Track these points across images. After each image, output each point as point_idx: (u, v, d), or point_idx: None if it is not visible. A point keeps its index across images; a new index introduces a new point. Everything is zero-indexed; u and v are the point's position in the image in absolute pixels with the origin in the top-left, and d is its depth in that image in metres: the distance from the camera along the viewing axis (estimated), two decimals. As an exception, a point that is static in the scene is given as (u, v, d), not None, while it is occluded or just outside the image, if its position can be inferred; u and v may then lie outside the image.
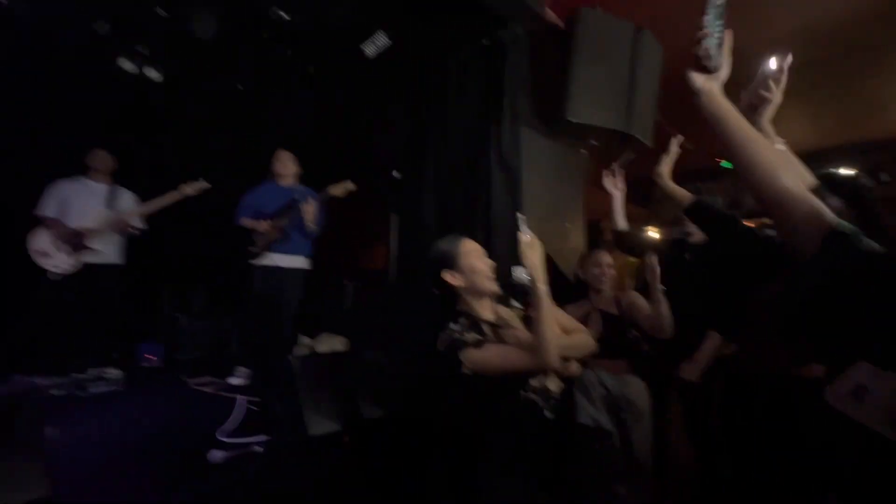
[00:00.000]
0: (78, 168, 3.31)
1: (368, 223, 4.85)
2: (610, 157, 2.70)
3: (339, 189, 3.28)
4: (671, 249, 2.31)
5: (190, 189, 3.38)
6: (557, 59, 2.56)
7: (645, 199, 3.71)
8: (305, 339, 4.28)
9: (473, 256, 1.47)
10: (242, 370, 3.25)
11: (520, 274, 1.45)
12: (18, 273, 3.14)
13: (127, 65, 3.49)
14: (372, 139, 4.32)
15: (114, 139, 3.59)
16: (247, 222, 3.35)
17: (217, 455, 2.05)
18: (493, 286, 1.47)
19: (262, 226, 3.30)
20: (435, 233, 2.76)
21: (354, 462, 2.08)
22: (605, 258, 2.17)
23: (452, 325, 1.38)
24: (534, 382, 1.39)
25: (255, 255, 3.29)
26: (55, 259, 3.08)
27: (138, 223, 3.37)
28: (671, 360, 2.07)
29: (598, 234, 3.95)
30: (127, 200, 3.37)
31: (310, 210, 3.21)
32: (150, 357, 3.78)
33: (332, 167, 3.78)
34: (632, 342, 2.04)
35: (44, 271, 3.07)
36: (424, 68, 3.30)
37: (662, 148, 2.19)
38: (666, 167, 2.09)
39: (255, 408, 2.77)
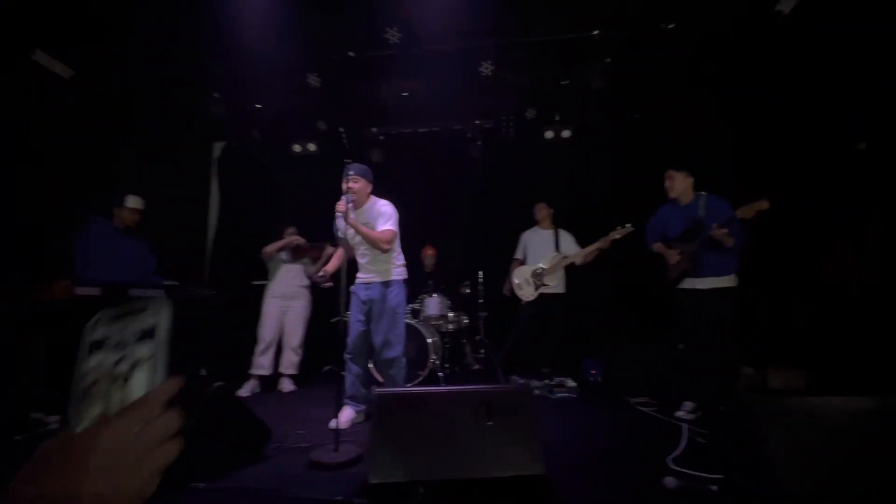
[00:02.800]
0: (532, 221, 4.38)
1: (813, 230, 3.72)
2: None
3: (750, 211, 2.79)
4: None
5: (618, 234, 3.72)
6: None
7: None
8: (748, 371, 3.67)
9: None
10: (688, 404, 3.13)
11: None
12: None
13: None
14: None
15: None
16: (659, 248, 3.35)
17: (671, 482, 2.04)
18: None
19: (673, 257, 3.22)
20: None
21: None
22: None
23: None
24: None
25: (674, 282, 3.23)
26: (525, 290, 4.16)
27: (580, 261, 4.00)
28: None
29: None
30: (568, 242, 4.12)
31: (720, 236, 2.90)
32: (594, 372, 4.34)
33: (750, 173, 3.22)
34: None
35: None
36: None
37: None
38: None
39: (701, 440, 2.58)
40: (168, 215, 4.79)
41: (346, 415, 2.92)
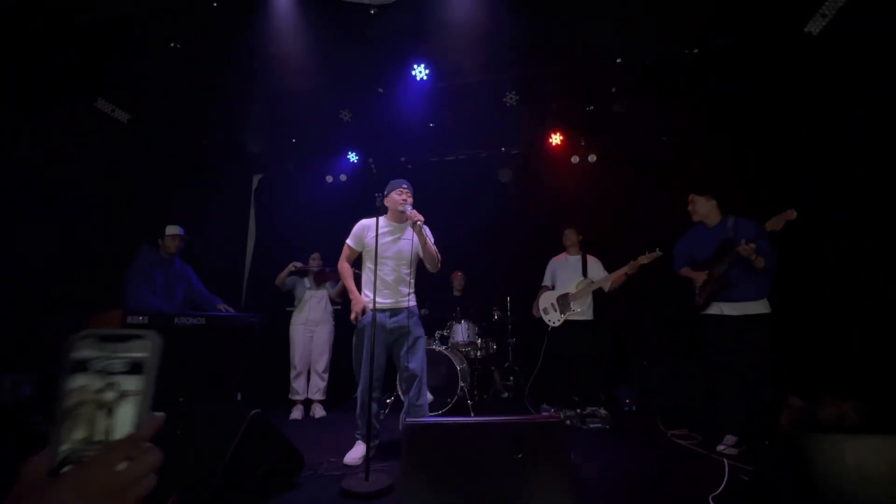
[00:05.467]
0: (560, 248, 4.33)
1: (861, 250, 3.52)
2: None
3: (779, 222, 2.75)
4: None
5: (645, 259, 3.66)
6: None
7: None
8: (795, 401, 3.46)
9: None
10: (730, 438, 2.98)
11: None
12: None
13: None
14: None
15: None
16: (686, 272, 3.28)
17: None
18: None
19: (700, 277, 3.14)
20: None
21: None
22: None
23: None
24: None
25: (701, 307, 3.15)
26: (551, 315, 4.10)
27: (607, 286, 3.92)
28: None
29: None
30: (596, 268, 4.05)
31: (747, 251, 2.81)
32: (628, 402, 4.20)
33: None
34: None
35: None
36: None
37: None
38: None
39: (745, 477, 2.46)
40: (210, 243, 5.06)
41: (359, 451, 2.84)
